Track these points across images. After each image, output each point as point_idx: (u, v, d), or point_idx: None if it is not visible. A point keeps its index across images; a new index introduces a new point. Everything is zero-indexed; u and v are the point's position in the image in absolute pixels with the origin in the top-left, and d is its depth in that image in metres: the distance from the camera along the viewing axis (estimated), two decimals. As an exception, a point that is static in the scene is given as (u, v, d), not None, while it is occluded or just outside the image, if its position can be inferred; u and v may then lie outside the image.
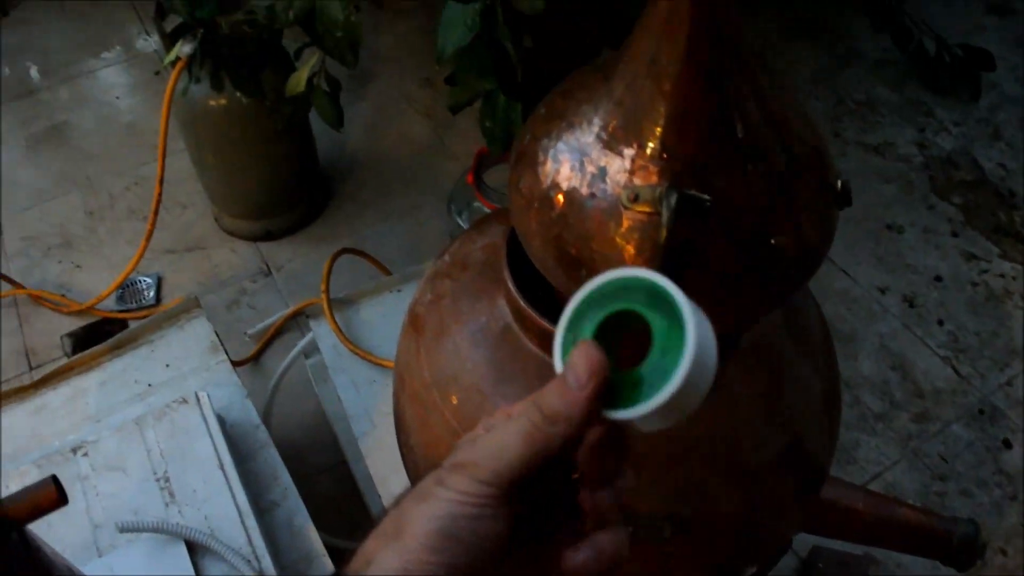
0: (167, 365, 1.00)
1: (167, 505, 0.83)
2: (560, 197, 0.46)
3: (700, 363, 0.27)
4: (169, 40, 1.16)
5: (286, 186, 1.44)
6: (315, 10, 0.78)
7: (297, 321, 1.34)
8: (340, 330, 1.09)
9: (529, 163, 0.48)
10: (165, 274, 1.45)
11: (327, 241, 1.46)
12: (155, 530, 0.79)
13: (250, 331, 1.28)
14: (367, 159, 1.62)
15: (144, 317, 1.22)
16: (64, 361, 1.03)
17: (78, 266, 1.48)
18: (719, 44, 0.42)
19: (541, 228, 0.48)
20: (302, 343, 1.18)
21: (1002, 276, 1.34)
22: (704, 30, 0.41)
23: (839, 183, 0.49)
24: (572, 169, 0.46)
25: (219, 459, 0.85)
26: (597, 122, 0.45)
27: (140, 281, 1.42)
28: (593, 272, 0.46)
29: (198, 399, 0.91)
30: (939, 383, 1.20)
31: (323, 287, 1.13)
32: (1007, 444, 1.13)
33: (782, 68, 1.73)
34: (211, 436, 0.87)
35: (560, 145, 0.47)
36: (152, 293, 1.41)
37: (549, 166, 0.47)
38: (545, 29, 0.66)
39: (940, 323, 1.27)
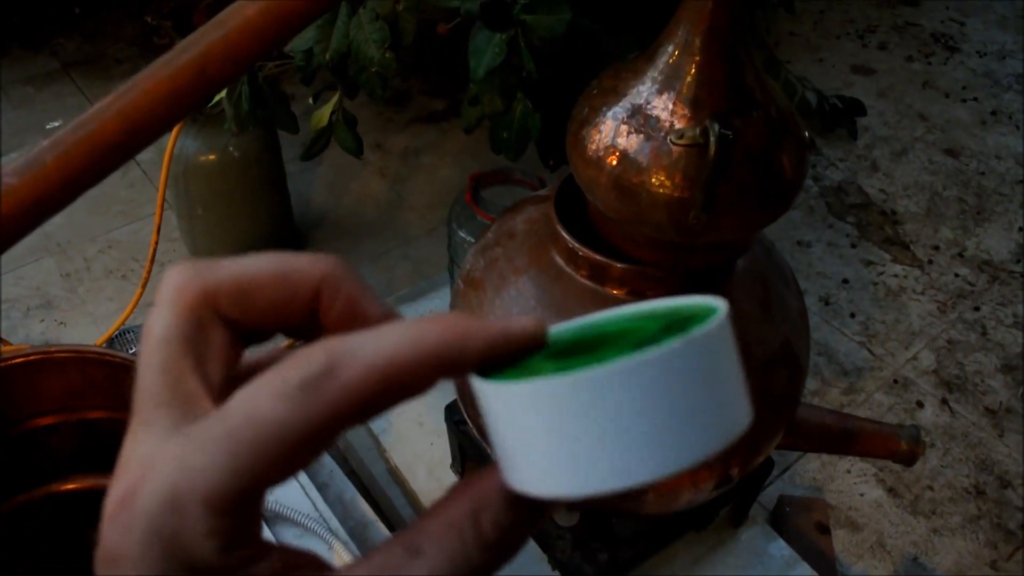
0: (200, 380, 1.10)
1: (233, 485, 0.93)
2: (621, 144, 0.63)
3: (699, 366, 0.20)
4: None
5: (266, 237, 1.56)
6: (349, 50, 0.94)
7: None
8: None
9: (592, 126, 0.65)
10: (152, 325, 1.53)
11: (306, 286, 1.58)
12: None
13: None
14: (333, 215, 1.76)
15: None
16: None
17: (62, 323, 1.54)
18: (731, 27, 0.61)
19: (606, 172, 0.64)
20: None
21: (896, 276, 1.59)
22: (721, 18, 0.60)
23: (806, 134, 0.69)
24: (628, 123, 0.63)
25: (274, 444, 0.96)
26: (644, 89, 0.63)
27: (130, 332, 1.50)
28: (649, 196, 0.63)
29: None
30: (859, 363, 1.41)
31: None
32: (920, 404, 1.34)
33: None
34: (262, 427, 0.97)
35: (616, 108, 0.64)
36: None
37: (610, 124, 0.64)
38: (564, 47, 0.84)
39: (852, 315, 1.49)
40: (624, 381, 0.18)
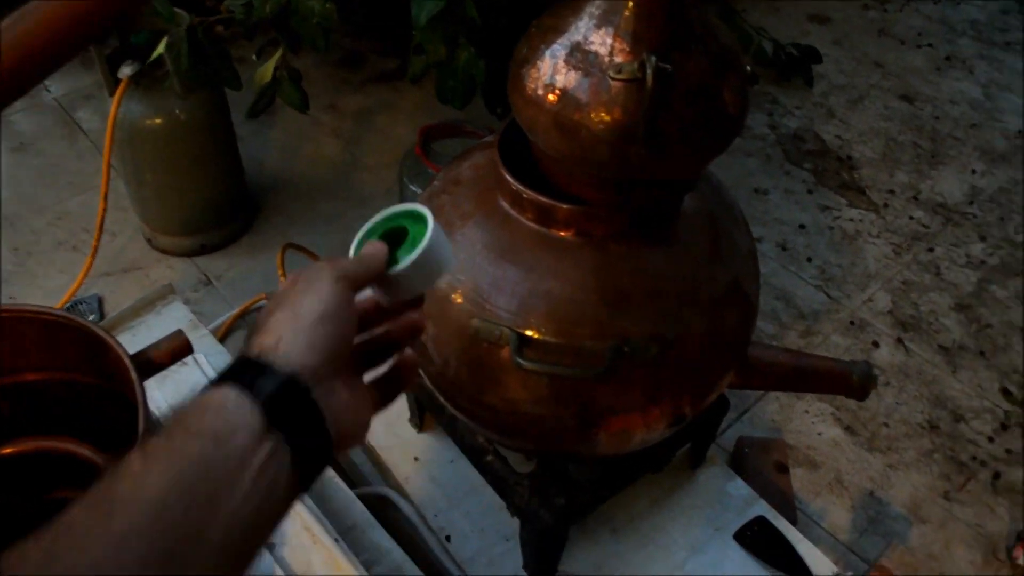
0: (152, 345, 1.08)
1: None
2: (560, 81, 0.62)
3: (434, 245, 0.44)
4: (108, 68, 1.26)
5: (218, 202, 1.53)
6: (288, 3, 0.92)
7: (246, 320, 1.43)
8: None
9: (531, 65, 0.64)
10: (105, 295, 1.50)
11: (260, 250, 1.56)
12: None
13: (209, 327, 1.36)
14: (287, 177, 1.73)
15: (103, 324, 1.28)
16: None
17: (12, 298, 1.50)
18: (666, -42, 0.60)
19: (546, 110, 0.63)
20: (264, 328, 1.28)
21: (851, 220, 1.60)
22: (655, -53, 0.59)
23: (748, 68, 0.68)
24: (568, 59, 0.62)
25: (229, 405, 0.95)
26: (583, 26, 0.62)
27: (82, 303, 1.47)
28: (590, 132, 0.62)
29: (196, 361, 1.00)
30: (816, 306, 1.43)
31: (280, 272, 1.24)
32: (876, 345, 1.36)
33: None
34: (217, 388, 0.96)
35: (556, 46, 0.63)
36: (95, 314, 1.46)
37: (549, 62, 0.63)
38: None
39: (809, 260, 1.51)
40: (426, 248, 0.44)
